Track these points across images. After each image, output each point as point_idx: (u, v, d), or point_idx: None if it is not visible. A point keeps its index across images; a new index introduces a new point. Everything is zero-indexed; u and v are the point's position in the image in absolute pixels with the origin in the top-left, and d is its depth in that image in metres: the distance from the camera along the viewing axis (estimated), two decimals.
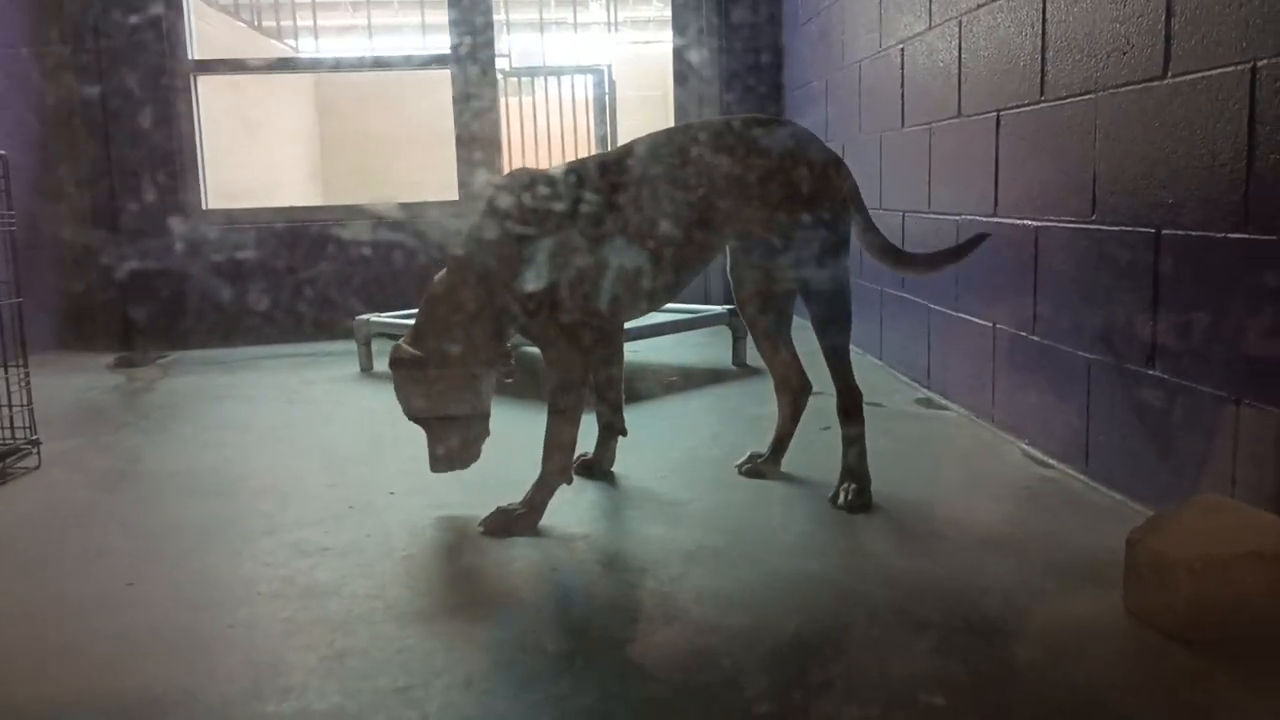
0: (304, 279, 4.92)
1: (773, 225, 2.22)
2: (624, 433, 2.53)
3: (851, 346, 2.26)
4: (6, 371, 2.73)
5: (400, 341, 2.18)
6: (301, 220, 5.04)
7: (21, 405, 2.74)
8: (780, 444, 2.49)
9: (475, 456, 2.23)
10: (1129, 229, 2.10)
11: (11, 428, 2.73)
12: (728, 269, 2.44)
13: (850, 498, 2.21)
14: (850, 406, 2.26)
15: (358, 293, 4.92)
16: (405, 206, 5.07)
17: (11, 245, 2.74)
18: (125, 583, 1.93)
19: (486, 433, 2.23)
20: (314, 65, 7.75)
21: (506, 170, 5.12)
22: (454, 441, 2.19)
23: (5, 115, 4.47)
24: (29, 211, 4.48)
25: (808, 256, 2.22)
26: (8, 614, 1.83)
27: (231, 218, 5.01)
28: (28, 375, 2.76)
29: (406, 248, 4.94)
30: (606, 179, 2.16)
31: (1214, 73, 1.83)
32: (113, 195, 4.90)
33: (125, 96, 4.87)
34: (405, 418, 2.21)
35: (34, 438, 2.74)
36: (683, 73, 5.28)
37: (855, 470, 2.25)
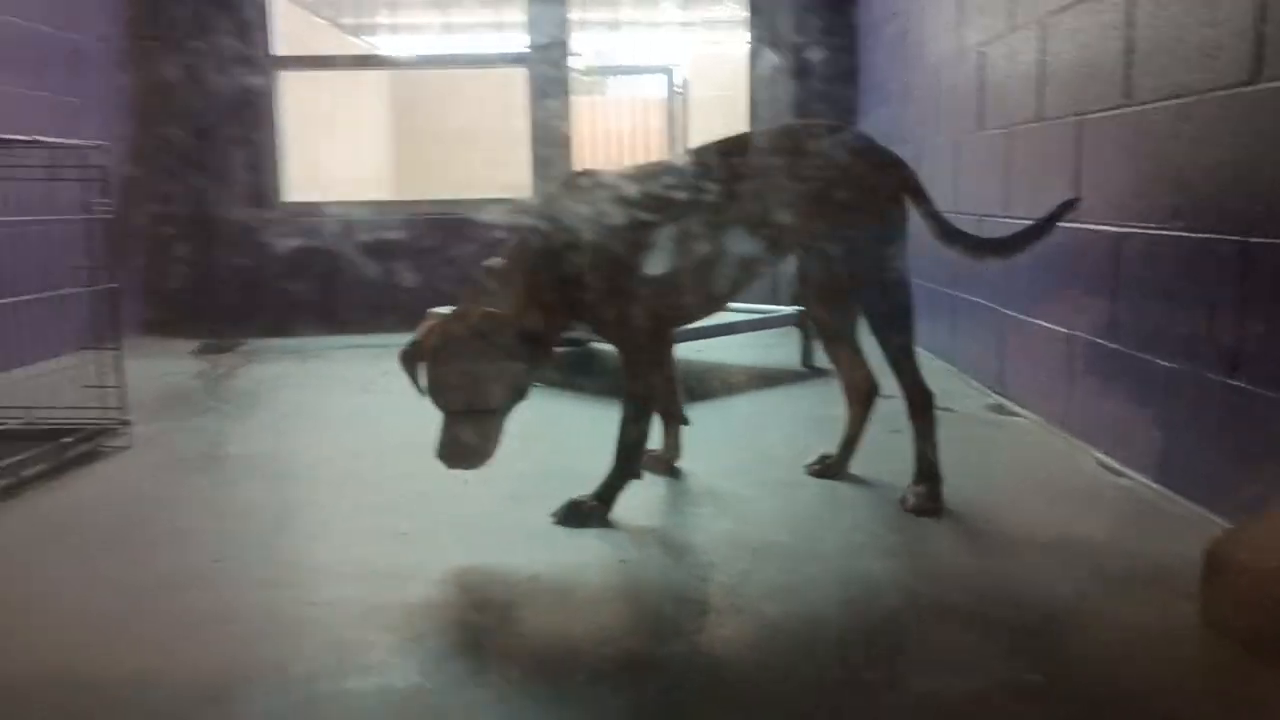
0: (388, 271, 5.00)
1: (835, 227, 2.22)
2: (686, 421, 2.55)
3: (923, 350, 2.25)
4: (100, 354, 2.84)
5: (481, 312, 2.01)
6: (379, 215, 5.15)
7: (113, 386, 2.84)
8: (849, 445, 2.48)
9: (492, 454, 2.09)
10: (1215, 236, 2.07)
11: (104, 408, 2.84)
12: (796, 271, 2.45)
13: (920, 500, 2.20)
14: (920, 407, 2.24)
15: (442, 284, 4.98)
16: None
17: (106, 233, 2.85)
18: (211, 560, 2.00)
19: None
20: (398, 62, 7.89)
21: (578, 168, 5.16)
22: (494, 435, 2.07)
23: (103, 105, 4.63)
24: (118, 200, 4.64)
25: (868, 257, 2.22)
26: (99, 588, 1.90)
27: (310, 210, 5.12)
28: (119, 358, 2.86)
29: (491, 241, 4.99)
30: (691, 176, 2.20)
31: None
32: (198, 187, 5.05)
33: (212, 89, 5.02)
34: (437, 404, 2.04)
35: (125, 418, 2.85)
36: (758, 72, 5.27)
37: (927, 472, 2.24)
